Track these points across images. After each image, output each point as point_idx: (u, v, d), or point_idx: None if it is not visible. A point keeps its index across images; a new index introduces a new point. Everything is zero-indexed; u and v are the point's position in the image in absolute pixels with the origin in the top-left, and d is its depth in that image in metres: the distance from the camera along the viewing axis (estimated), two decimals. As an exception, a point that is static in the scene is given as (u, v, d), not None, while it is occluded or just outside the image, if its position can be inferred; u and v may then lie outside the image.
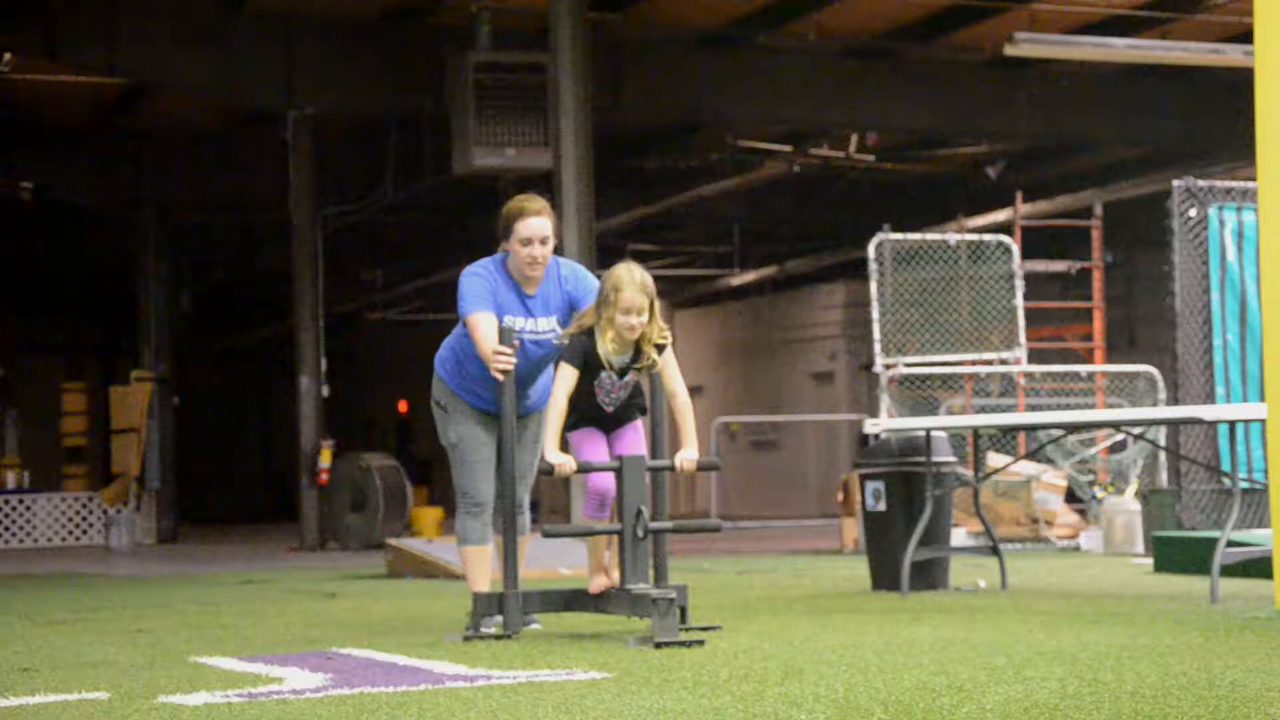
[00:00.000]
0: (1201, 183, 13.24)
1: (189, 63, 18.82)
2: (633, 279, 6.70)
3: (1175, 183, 13.17)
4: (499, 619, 7.11)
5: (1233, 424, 8.50)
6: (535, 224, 7.04)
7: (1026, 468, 15.09)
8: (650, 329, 6.79)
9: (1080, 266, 18.98)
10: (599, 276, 7.00)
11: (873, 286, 15.61)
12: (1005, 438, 14.87)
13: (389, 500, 19.56)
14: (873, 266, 15.76)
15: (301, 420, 19.79)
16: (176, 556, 18.76)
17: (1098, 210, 18.57)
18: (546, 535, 6.95)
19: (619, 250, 27.06)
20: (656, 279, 25.61)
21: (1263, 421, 7.59)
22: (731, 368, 31.73)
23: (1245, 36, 7.83)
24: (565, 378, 6.79)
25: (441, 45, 18.38)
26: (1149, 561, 11.52)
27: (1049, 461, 15.65)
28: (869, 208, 23.40)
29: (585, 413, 6.91)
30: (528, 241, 7.05)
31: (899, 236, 16.06)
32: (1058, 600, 8.65)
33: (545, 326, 7.16)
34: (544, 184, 17.49)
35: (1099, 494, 15.42)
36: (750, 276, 28.70)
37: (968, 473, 12.29)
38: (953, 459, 9.79)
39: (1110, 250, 20.02)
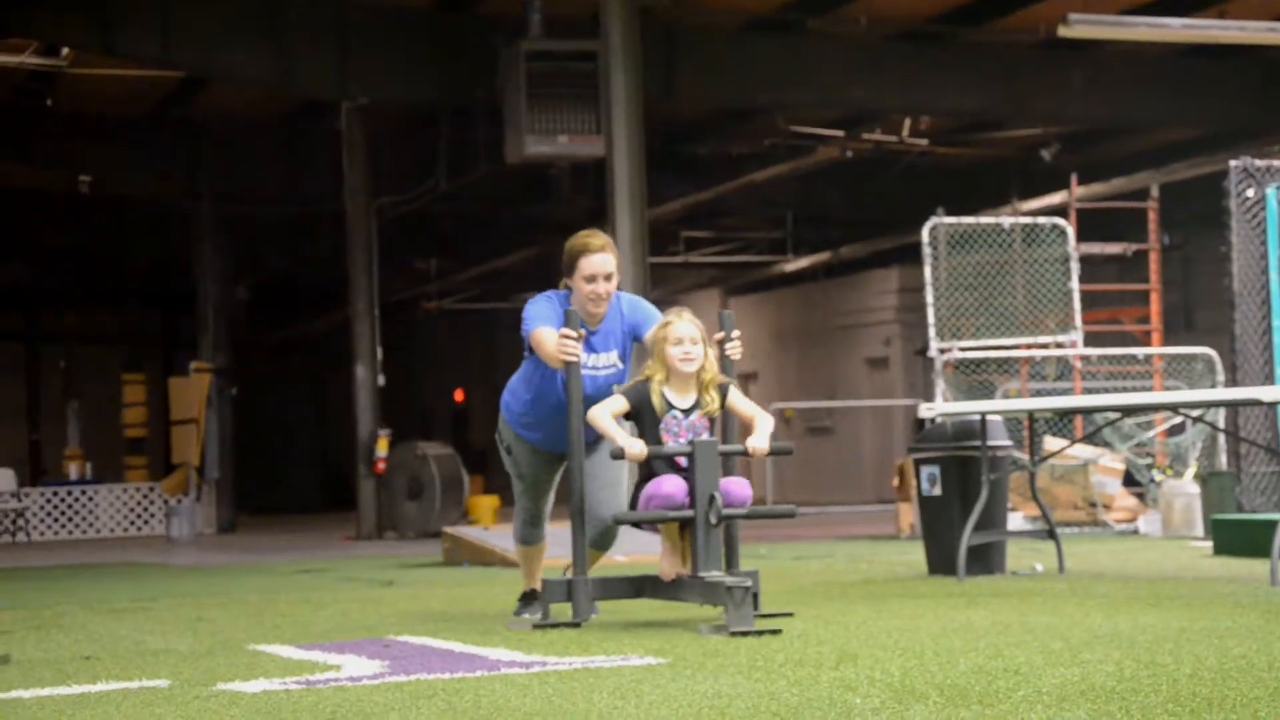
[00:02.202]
0: (1259, 162, 13.13)
1: (243, 55, 18.92)
2: (680, 317, 6.82)
3: (1232, 163, 13.06)
4: (534, 614, 7.23)
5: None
6: (599, 261, 7.00)
7: (1083, 451, 15.01)
8: (708, 371, 6.79)
9: (1136, 249, 18.86)
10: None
11: (927, 271, 15.55)
12: (1062, 421, 14.79)
13: (446, 489, 19.64)
14: (927, 251, 15.70)
15: (358, 410, 19.90)
16: (235, 546, 18.90)
17: (1154, 192, 18.44)
18: (617, 523, 6.93)
19: (672, 236, 27.10)
20: (710, 265, 25.71)
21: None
22: (786, 354, 31.67)
23: (1302, 14, 7.75)
24: (613, 400, 6.82)
25: (493, 34, 18.41)
26: (1208, 545, 11.45)
27: (1106, 445, 15.56)
28: (922, 192, 23.30)
29: (656, 468, 6.80)
30: (592, 278, 7.00)
31: (953, 220, 15.99)
32: (1115, 584, 8.61)
33: (606, 362, 7.13)
34: (596, 171, 17.52)
35: (1157, 477, 15.32)
36: (804, 262, 28.62)
37: (1024, 457, 12.23)
38: (1008, 443, 9.75)
39: (1167, 232, 19.87)
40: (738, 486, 6.74)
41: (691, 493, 6.61)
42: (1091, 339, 18.49)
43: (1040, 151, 23.33)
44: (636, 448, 6.64)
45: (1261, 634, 5.83)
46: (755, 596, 6.63)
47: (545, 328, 6.98)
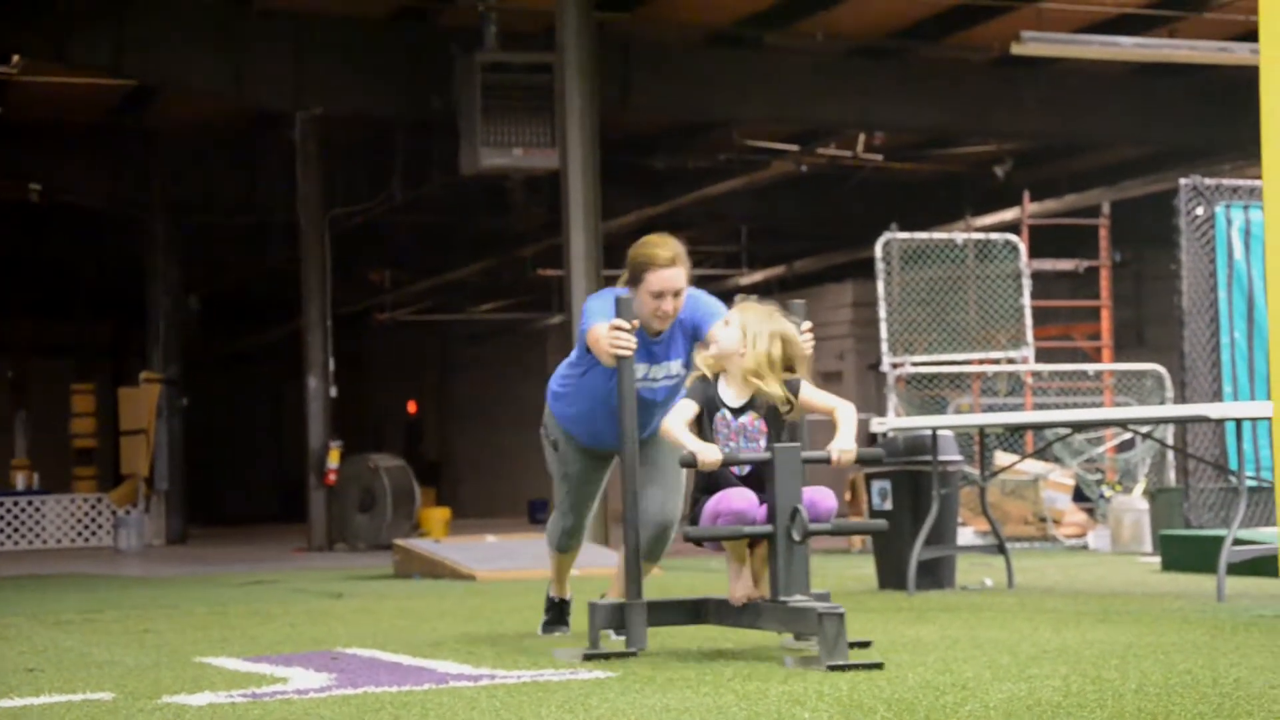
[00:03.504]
0: (1209, 181, 13.22)
1: (197, 64, 18.83)
2: (744, 310, 6.05)
3: (1183, 181, 13.15)
4: (563, 632, 6.88)
5: (1239, 422, 8.49)
6: (669, 277, 6.35)
7: (1034, 466, 15.08)
8: (763, 371, 5.94)
9: (1088, 265, 18.96)
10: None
11: (880, 286, 15.61)
12: (1012, 437, 14.86)
13: (397, 501, 19.58)
14: (880, 266, 15.75)
15: (310, 421, 19.82)
16: (185, 557, 18.79)
17: (1105, 209, 18.55)
18: (688, 538, 6.04)
19: (627, 249, 27.07)
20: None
21: (1269, 419, 7.58)
22: (740, 368, 31.69)
23: (1252, 35, 7.81)
24: (683, 407, 6.03)
25: (449, 46, 18.39)
26: (1156, 560, 11.51)
27: (1056, 460, 15.63)
28: (876, 207, 23.38)
29: (714, 477, 6.02)
30: (659, 295, 6.36)
31: (906, 236, 16.05)
32: (1064, 599, 8.64)
33: (666, 372, 6.54)
34: (551, 183, 17.51)
35: (1106, 493, 15.40)
36: (758, 276, 28.67)
37: (975, 472, 12.27)
38: (959, 458, 9.79)
39: (1118, 249, 19.98)
40: (822, 497, 5.90)
41: (771, 505, 5.80)
42: (1043, 355, 18.59)
43: (993, 168, 23.45)
44: (712, 453, 5.81)
45: (1207, 650, 5.86)
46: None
47: (601, 325, 6.26)
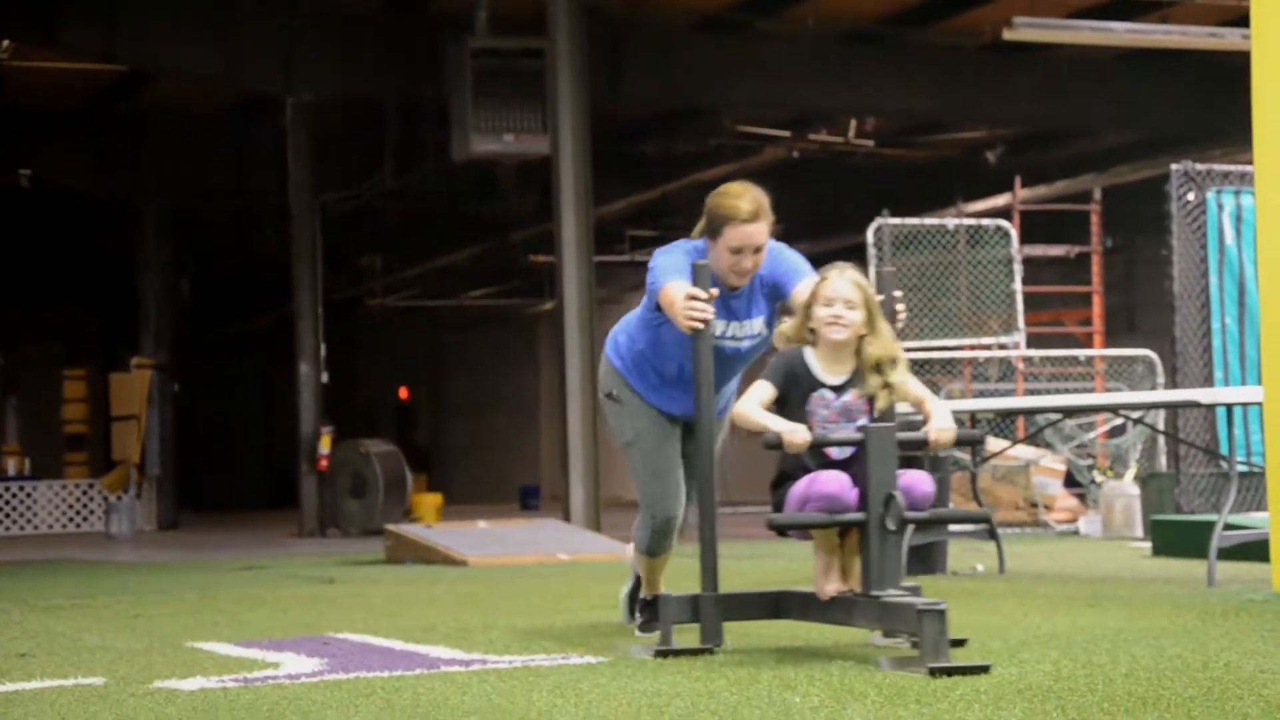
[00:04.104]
0: (1200, 166, 13.23)
1: (188, 49, 18.79)
2: (841, 273, 5.48)
3: (1174, 167, 13.16)
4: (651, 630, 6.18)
5: (1230, 407, 8.50)
6: (750, 232, 5.78)
7: (1025, 452, 15.10)
8: (873, 345, 5.42)
9: (1079, 251, 18.97)
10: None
11: (872, 272, 15.60)
12: (1004, 422, 14.87)
13: (389, 486, 19.57)
14: (872, 251, 15.75)
15: (301, 407, 19.80)
16: (176, 543, 18.78)
17: (1097, 195, 18.56)
18: (773, 527, 5.54)
19: (618, 235, 27.07)
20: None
21: (1260, 405, 7.59)
22: (731, 353, 31.70)
23: (1244, 20, 7.82)
24: (758, 389, 5.49)
25: (439, 31, 18.36)
26: (1147, 545, 11.53)
27: (1048, 446, 15.65)
28: (868, 193, 23.36)
29: (804, 460, 5.47)
30: (738, 250, 5.81)
31: (898, 221, 16.05)
32: (1055, 584, 8.66)
33: (749, 331, 5.96)
34: (542, 169, 17.49)
35: (1098, 478, 15.42)
36: (749, 262, 28.66)
37: (966, 457, 12.29)
38: (950, 443, 9.80)
39: (1109, 235, 20.01)
40: (918, 482, 5.40)
41: (862, 490, 5.30)
42: (1034, 340, 18.60)
43: (985, 154, 23.46)
44: (800, 435, 5.30)
45: (1197, 634, 5.87)
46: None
47: (677, 283, 5.70)
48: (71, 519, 22.97)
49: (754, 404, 5.47)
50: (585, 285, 15.87)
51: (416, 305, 33.24)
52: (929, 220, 16.55)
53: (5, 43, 18.99)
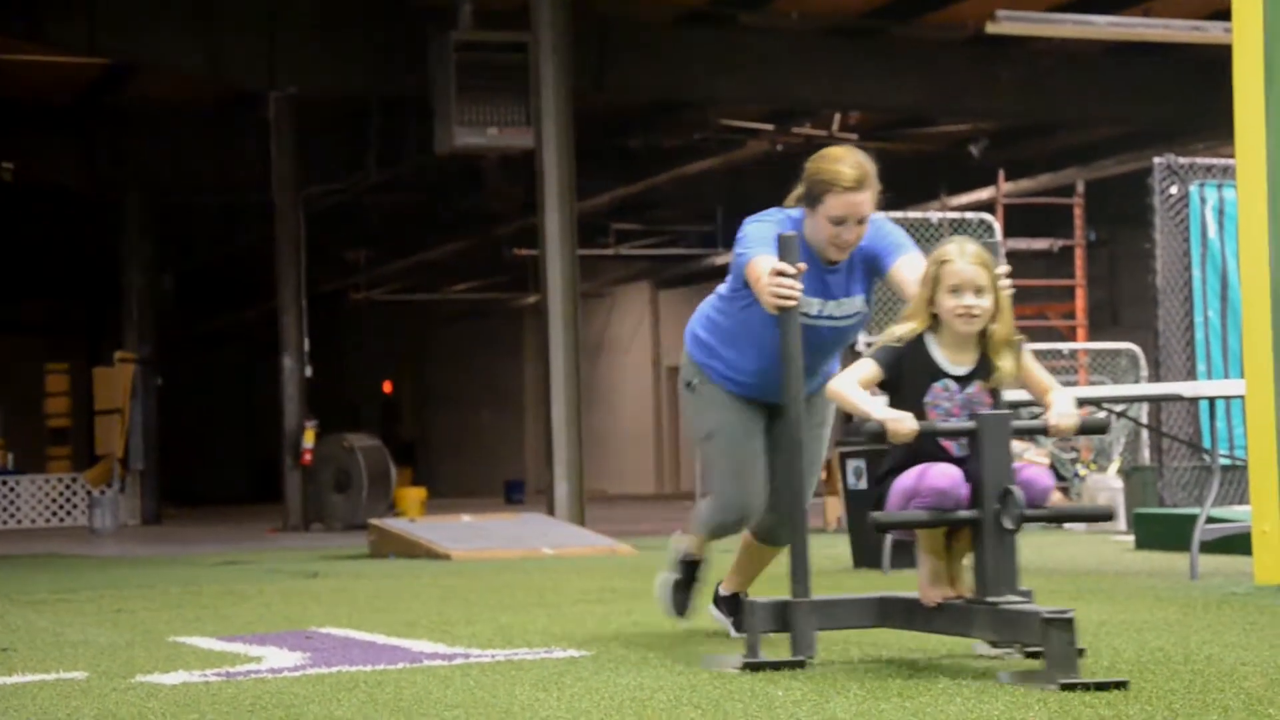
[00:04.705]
0: (1183, 160, 13.24)
1: (171, 43, 18.76)
2: (963, 250, 4.91)
3: (1157, 160, 13.16)
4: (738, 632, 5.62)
5: (1213, 401, 8.53)
6: (853, 202, 5.28)
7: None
8: (1000, 324, 4.91)
9: (1062, 244, 19.01)
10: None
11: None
12: (987, 416, 14.86)
13: (372, 481, 19.55)
14: (855, 245, 15.75)
15: (285, 401, 19.78)
16: (159, 537, 18.75)
17: (1080, 188, 18.60)
18: (879, 528, 5.13)
19: (602, 228, 27.07)
20: (640, 258, 25.44)
21: (1243, 398, 7.61)
22: (716, 347, 31.72)
23: (1226, 13, 7.83)
24: (860, 366, 5.00)
25: (423, 25, 18.33)
26: (1130, 538, 11.56)
27: (1032, 440, 15.67)
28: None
29: (919, 454, 4.91)
30: (839, 221, 5.31)
31: (881, 215, 16.05)
32: (1038, 577, 8.67)
33: (847, 309, 5.45)
34: (527, 163, 17.48)
35: (1081, 471, 15.45)
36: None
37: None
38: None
39: (1092, 228, 20.04)
40: (1038, 476, 4.90)
41: (975, 485, 4.81)
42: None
43: (968, 147, 23.47)
44: (907, 423, 4.79)
45: (1179, 627, 5.89)
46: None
47: (766, 256, 5.16)
48: (54, 513, 22.92)
49: (853, 382, 4.97)
50: (569, 279, 15.86)
51: (401, 299, 33.22)
52: (912, 214, 16.55)
53: (-13, 36, 18.94)
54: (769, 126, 22.38)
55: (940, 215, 16.53)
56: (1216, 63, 12.92)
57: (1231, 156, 12.06)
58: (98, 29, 18.20)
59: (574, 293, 15.97)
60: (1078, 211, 18.11)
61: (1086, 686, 4.34)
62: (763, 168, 24.50)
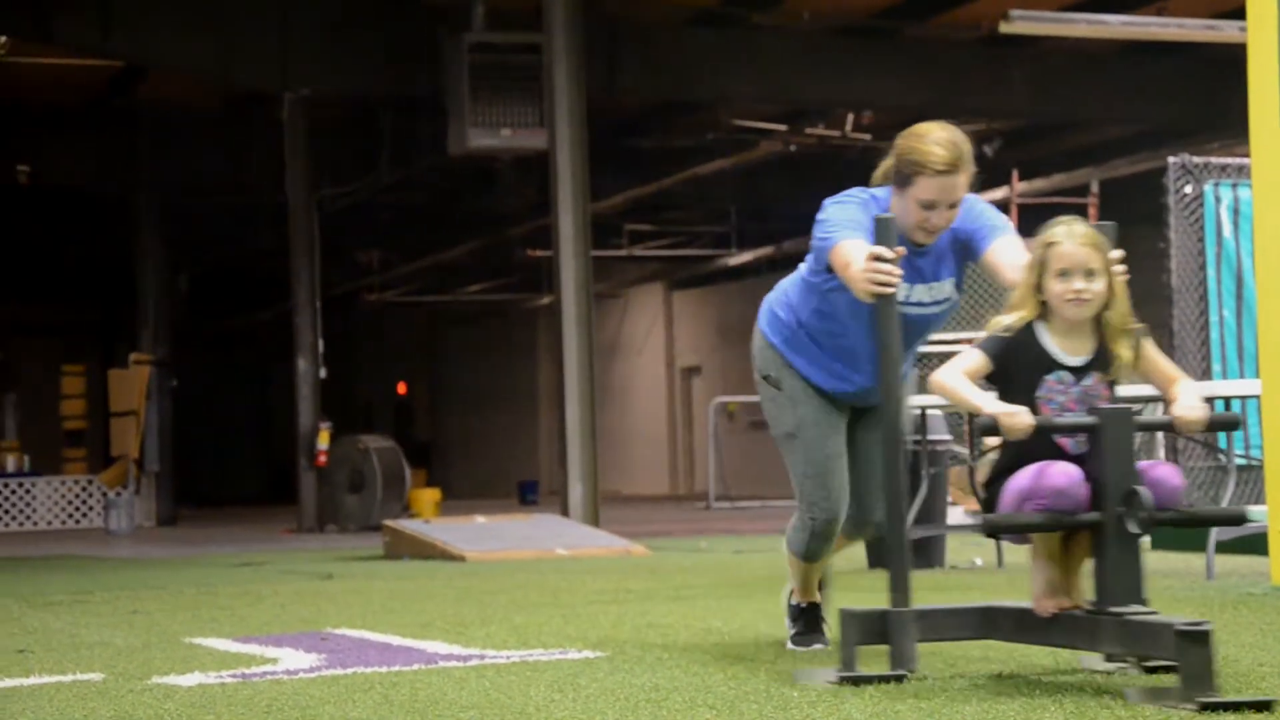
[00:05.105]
0: (1197, 159, 13.21)
1: (184, 44, 18.79)
2: (1071, 231, 4.60)
3: (1171, 159, 13.13)
4: (821, 644, 5.45)
5: (1228, 400, 8.51)
6: (946, 185, 4.95)
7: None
8: (1115, 311, 4.58)
9: (1077, 244, 18.93)
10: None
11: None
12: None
13: (387, 482, 19.57)
14: (869, 245, 15.74)
15: (299, 402, 19.80)
16: (175, 539, 18.78)
17: (1094, 188, 18.56)
18: (988, 530, 4.76)
19: (615, 229, 27.08)
20: (653, 259, 25.42)
21: (1258, 398, 7.60)
22: (729, 348, 31.70)
23: (1240, 12, 7.81)
24: (967, 357, 4.66)
25: (436, 26, 18.35)
26: (1145, 539, 11.53)
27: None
28: (865, 186, 23.36)
29: (1031, 452, 4.53)
30: (930, 205, 4.98)
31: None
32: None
33: (937, 294, 5.13)
34: (540, 164, 17.49)
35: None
36: (747, 256, 28.67)
37: (964, 451, 12.28)
38: (948, 437, 9.80)
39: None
40: (1169, 476, 4.54)
41: (1097, 486, 4.44)
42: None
43: (982, 147, 23.34)
44: (1022, 418, 4.42)
45: (1195, 627, 5.86)
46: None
47: (854, 240, 4.81)
48: (70, 515, 22.97)
49: (958, 374, 4.61)
50: (583, 279, 15.86)
51: (414, 300, 33.27)
52: (926, 214, 16.55)
53: (2, 39, 18.98)
54: (782, 127, 22.37)
55: (954, 215, 16.52)
56: (1231, 62, 12.90)
57: (1246, 156, 12.03)
58: (111, 31, 18.24)
59: (588, 293, 15.97)
60: (1092, 211, 18.07)
61: (1227, 706, 4.01)
62: (776, 168, 24.51)
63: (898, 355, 4.71)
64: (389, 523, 13.52)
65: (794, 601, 5.60)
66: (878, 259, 4.63)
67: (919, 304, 5.09)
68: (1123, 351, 4.58)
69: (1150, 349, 4.66)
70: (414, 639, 6.21)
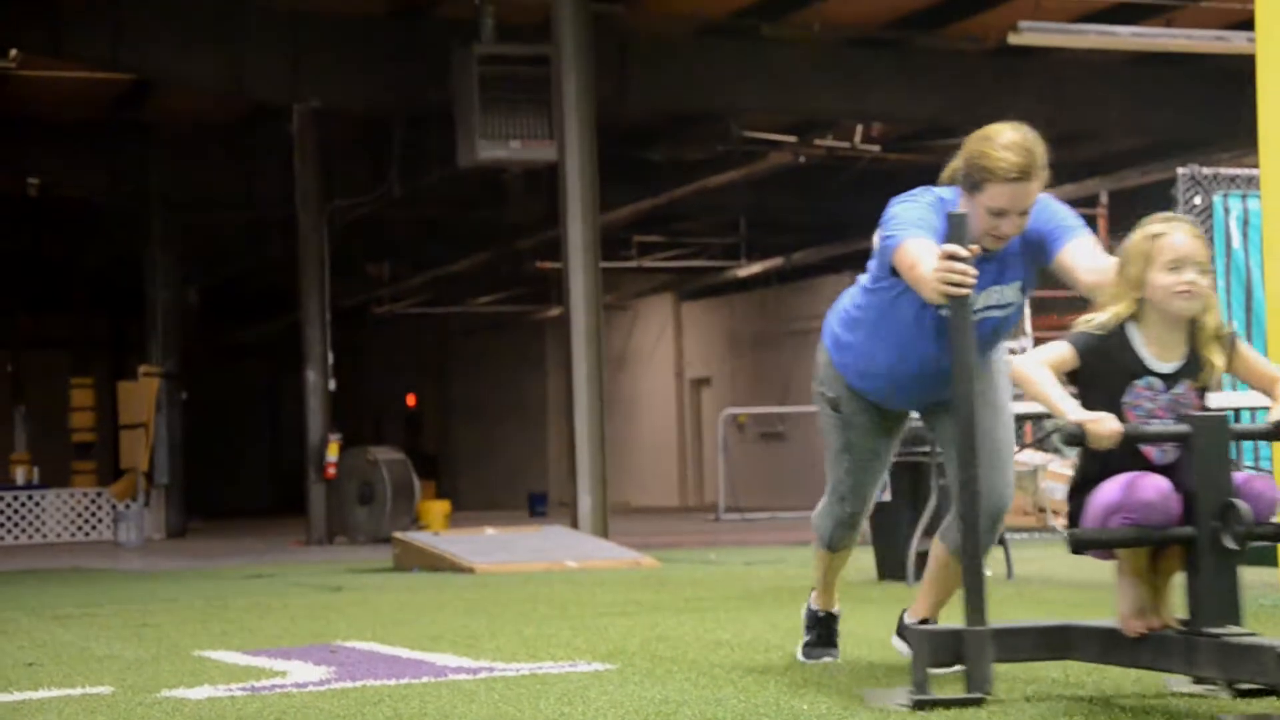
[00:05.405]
0: (1206, 170, 13.21)
1: (194, 57, 18.82)
2: (1180, 225, 4.39)
3: (1180, 170, 13.14)
4: (831, 657, 5.35)
5: (1238, 411, 8.49)
6: (1017, 192, 4.71)
7: (1032, 457, 15.08)
8: (1211, 314, 4.30)
9: (1086, 255, 18.91)
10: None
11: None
12: (1012, 427, 14.83)
13: (396, 494, 19.58)
14: (878, 257, 15.74)
15: (309, 414, 19.81)
16: (184, 551, 18.79)
17: (1103, 198, 18.55)
18: (1077, 547, 4.34)
19: (625, 241, 27.09)
20: (663, 270, 25.49)
21: (1267, 408, 7.57)
22: (739, 359, 31.71)
23: (1249, 23, 7.81)
24: (1053, 349, 4.40)
25: (446, 38, 18.37)
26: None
27: (1055, 451, 15.63)
28: (874, 198, 23.27)
29: (1115, 462, 4.29)
30: (999, 213, 4.74)
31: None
32: (1063, 589, 8.65)
33: (998, 299, 4.91)
34: (549, 175, 17.51)
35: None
36: (757, 268, 28.68)
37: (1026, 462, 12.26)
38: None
39: (1116, 238, 19.97)
40: (1266, 487, 4.28)
41: (1189, 499, 4.19)
42: (1041, 345, 18.58)
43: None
44: (1109, 424, 4.16)
45: (1206, 639, 5.84)
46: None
47: (920, 239, 4.61)
48: (80, 527, 22.98)
49: (1042, 366, 4.34)
50: (592, 291, 15.87)
51: (424, 312, 33.27)
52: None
53: (13, 52, 19.02)
54: (791, 138, 22.37)
55: (963, 226, 16.53)
56: (1240, 73, 12.90)
57: (1255, 167, 12.01)
58: (121, 45, 18.28)
59: (597, 305, 15.98)
60: (1101, 222, 18.07)
61: None
62: (786, 179, 24.52)
63: (971, 357, 4.45)
64: (398, 535, 13.52)
65: (813, 607, 5.53)
66: (952, 257, 4.37)
67: (986, 308, 4.86)
68: (1215, 359, 4.32)
69: (1245, 348, 4.40)
70: (423, 651, 6.21)
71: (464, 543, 12.96)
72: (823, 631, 5.50)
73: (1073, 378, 4.38)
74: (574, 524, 15.38)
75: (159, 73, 19.45)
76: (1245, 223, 12.97)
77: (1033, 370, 4.32)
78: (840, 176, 24.50)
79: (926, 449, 9.51)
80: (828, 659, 5.42)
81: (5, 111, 21.18)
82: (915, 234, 4.63)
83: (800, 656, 5.47)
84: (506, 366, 36.08)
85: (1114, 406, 4.26)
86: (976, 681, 4.34)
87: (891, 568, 9.65)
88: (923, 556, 9.30)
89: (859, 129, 22.09)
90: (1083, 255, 4.73)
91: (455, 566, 11.96)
